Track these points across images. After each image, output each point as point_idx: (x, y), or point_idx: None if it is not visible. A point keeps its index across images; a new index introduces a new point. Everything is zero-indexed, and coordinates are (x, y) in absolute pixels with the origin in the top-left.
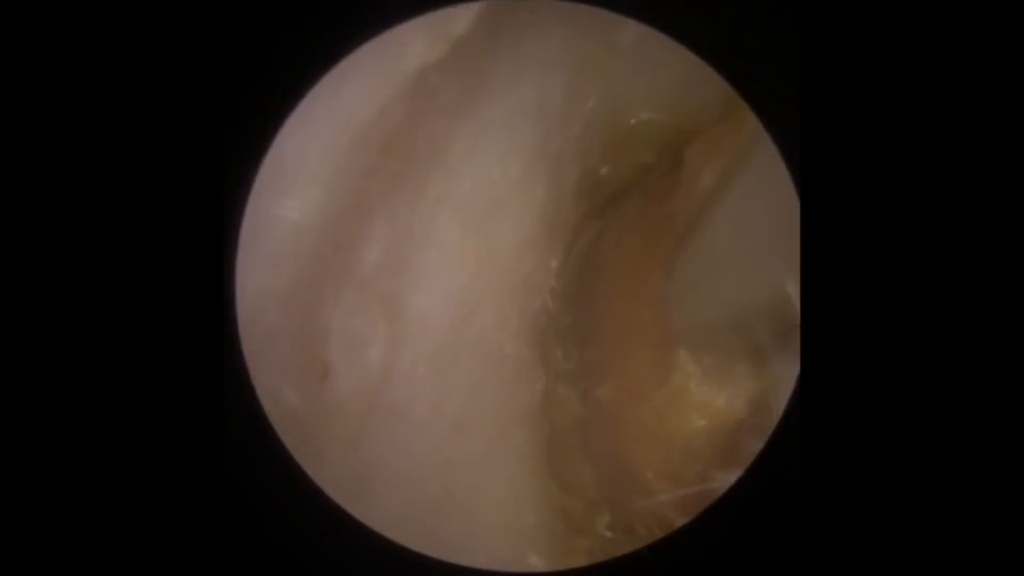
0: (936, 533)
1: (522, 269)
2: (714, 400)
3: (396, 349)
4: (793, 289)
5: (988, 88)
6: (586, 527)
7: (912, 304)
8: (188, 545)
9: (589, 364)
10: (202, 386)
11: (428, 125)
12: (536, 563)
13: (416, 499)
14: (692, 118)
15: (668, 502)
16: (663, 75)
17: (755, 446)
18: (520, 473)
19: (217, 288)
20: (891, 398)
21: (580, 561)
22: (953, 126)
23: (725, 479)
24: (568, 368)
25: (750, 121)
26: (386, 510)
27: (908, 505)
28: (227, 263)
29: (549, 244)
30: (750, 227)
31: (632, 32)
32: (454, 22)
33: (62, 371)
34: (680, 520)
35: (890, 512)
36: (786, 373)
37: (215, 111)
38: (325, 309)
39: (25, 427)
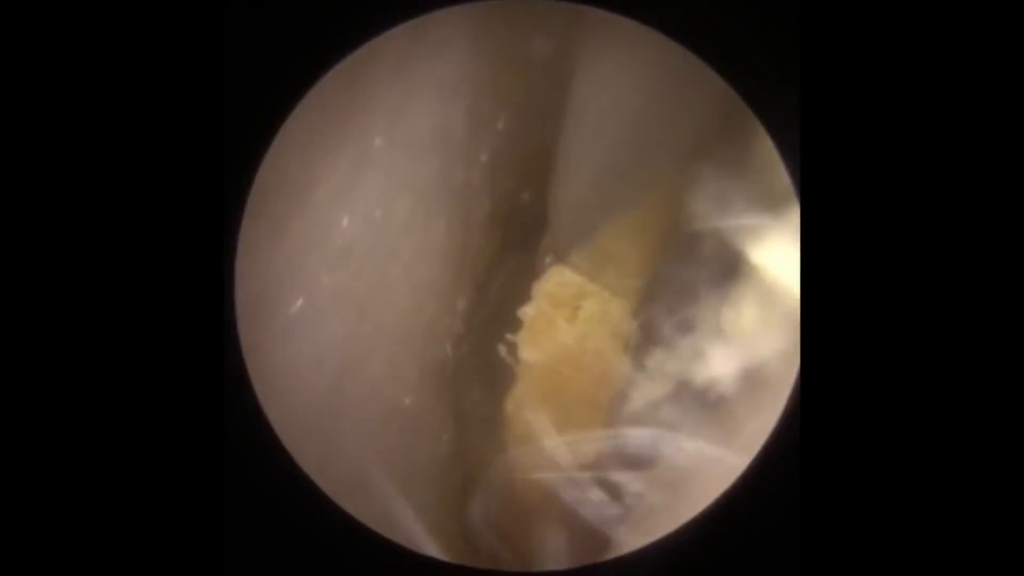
0: (936, 533)
1: (422, 317)
2: None
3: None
4: None
5: (989, 88)
6: None
7: (913, 304)
8: (188, 545)
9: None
10: (202, 386)
11: (282, 167)
12: None
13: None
14: None
15: None
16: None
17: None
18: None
19: (217, 288)
20: (891, 398)
21: None
22: (953, 126)
23: None
24: (485, 413)
25: None
26: None
27: (908, 505)
28: (227, 263)
29: (454, 285)
30: None
31: (545, 38)
32: None
33: (62, 371)
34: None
35: (890, 512)
36: None
37: (215, 110)
38: None
39: (24, 427)
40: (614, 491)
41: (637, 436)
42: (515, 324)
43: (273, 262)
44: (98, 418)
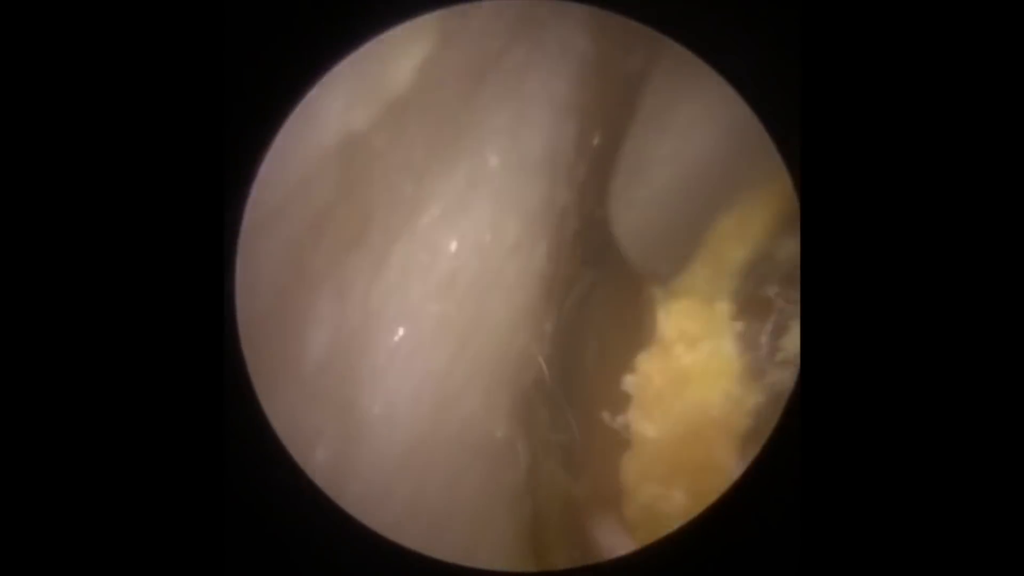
0: (936, 533)
1: (515, 343)
2: None
3: (351, 447)
4: None
5: (989, 88)
6: None
7: (913, 304)
8: (188, 545)
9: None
10: (202, 386)
11: (388, 187)
12: None
13: None
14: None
15: None
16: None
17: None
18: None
19: (217, 288)
20: (891, 398)
21: None
22: (954, 126)
23: None
24: (558, 439)
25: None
26: None
27: (908, 505)
28: (227, 263)
29: (546, 308)
30: None
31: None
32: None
33: (61, 371)
34: None
35: (890, 512)
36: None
37: (215, 110)
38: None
39: (24, 426)
40: None
41: None
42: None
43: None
44: (98, 418)
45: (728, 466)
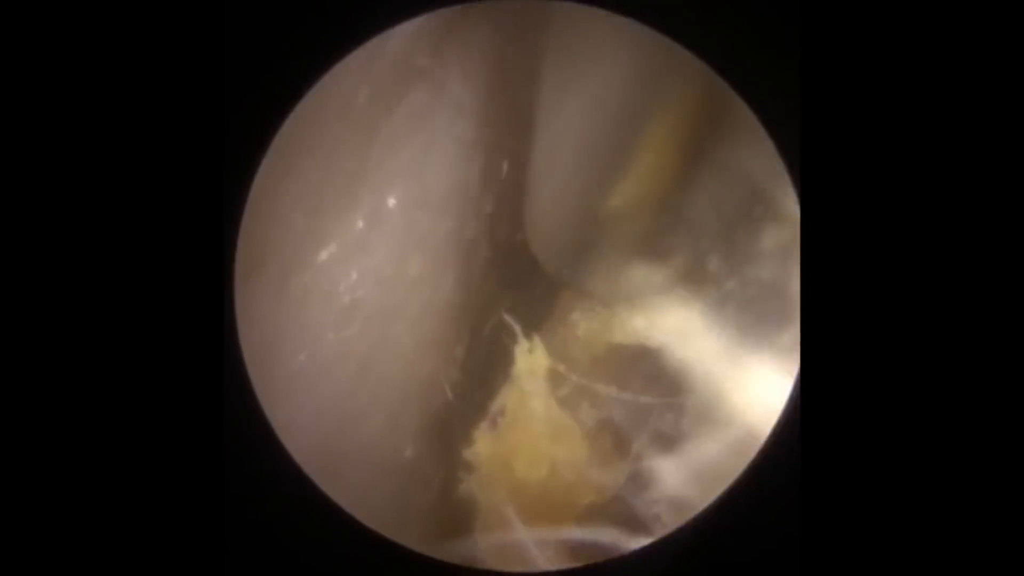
0: (936, 533)
1: (423, 368)
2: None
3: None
4: None
5: (989, 88)
6: None
7: (913, 304)
8: (188, 545)
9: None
10: (202, 386)
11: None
12: None
13: None
14: None
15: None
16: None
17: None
18: None
19: (217, 287)
20: (891, 398)
21: None
22: (954, 126)
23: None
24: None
25: None
26: None
27: (908, 505)
28: (227, 263)
29: (456, 334)
30: None
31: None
32: None
33: (61, 371)
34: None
35: (890, 512)
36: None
37: (215, 109)
38: None
39: (28, 429)
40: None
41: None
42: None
43: (278, 312)
44: (98, 418)
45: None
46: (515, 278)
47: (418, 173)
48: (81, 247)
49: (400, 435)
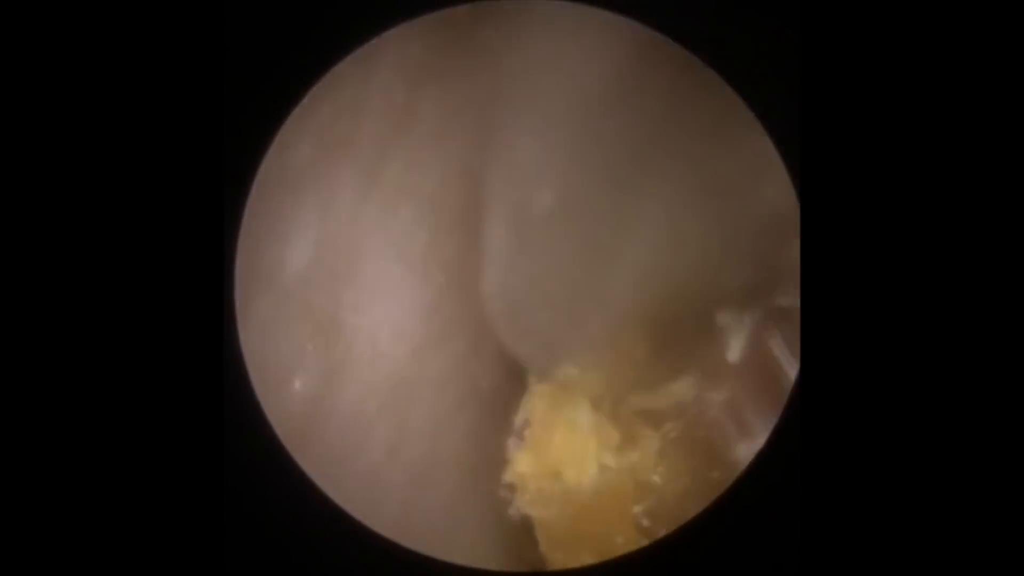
0: (936, 533)
1: (432, 369)
2: None
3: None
4: None
5: (989, 88)
6: None
7: (913, 304)
8: (188, 545)
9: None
10: (202, 386)
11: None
12: None
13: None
14: None
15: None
16: None
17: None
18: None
19: (217, 286)
20: (892, 398)
21: None
22: (954, 126)
23: None
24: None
25: None
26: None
27: (908, 505)
28: (227, 262)
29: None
30: None
31: None
32: None
33: (61, 371)
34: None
35: (890, 512)
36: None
37: (215, 108)
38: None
39: (27, 428)
40: None
41: None
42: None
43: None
44: (98, 419)
45: (628, 525)
46: None
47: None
48: (81, 248)
49: (408, 440)
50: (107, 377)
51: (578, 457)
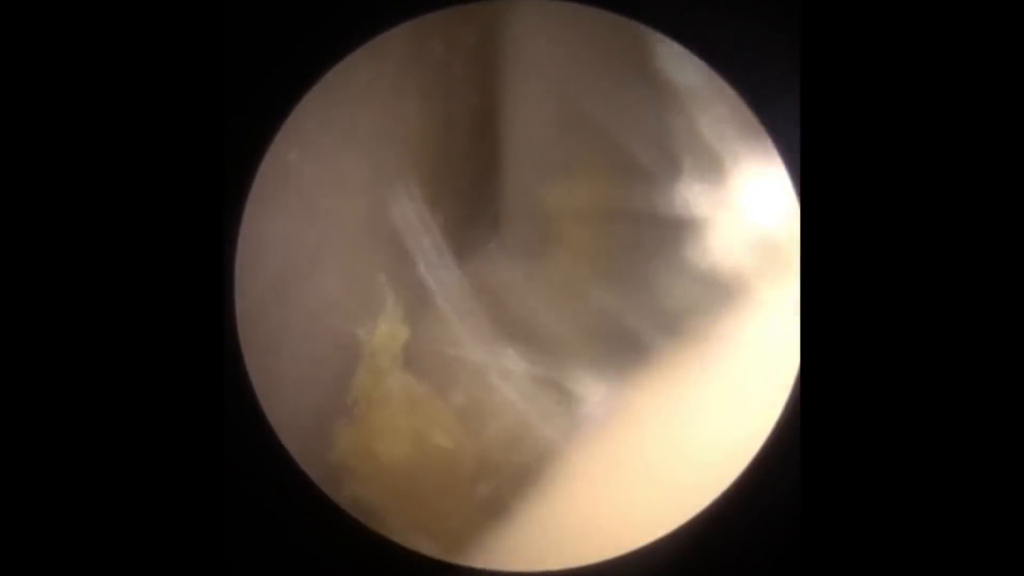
0: (936, 533)
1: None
2: None
3: None
4: None
5: (989, 88)
6: None
7: (913, 304)
8: (188, 545)
9: None
10: (202, 386)
11: None
12: None
13: None
14: None
15: None
16: None
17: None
18: None
19: (217, 286)
20: (891, 398)
21: None
22: (954, 126)
23: None
24: None
25: None
26: None
27: (908, 505)
28: (227, 261)
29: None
30: None
31: None
32: None
33: (61, 372)
34: None
35: (890, 512)
36: None
37: (215, 108)
38: None
39: (27, 428)
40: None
41: None
42: None
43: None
44: (98, 419)
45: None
46: None
47: None
48: (81, 247)
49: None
50: (107, 377)
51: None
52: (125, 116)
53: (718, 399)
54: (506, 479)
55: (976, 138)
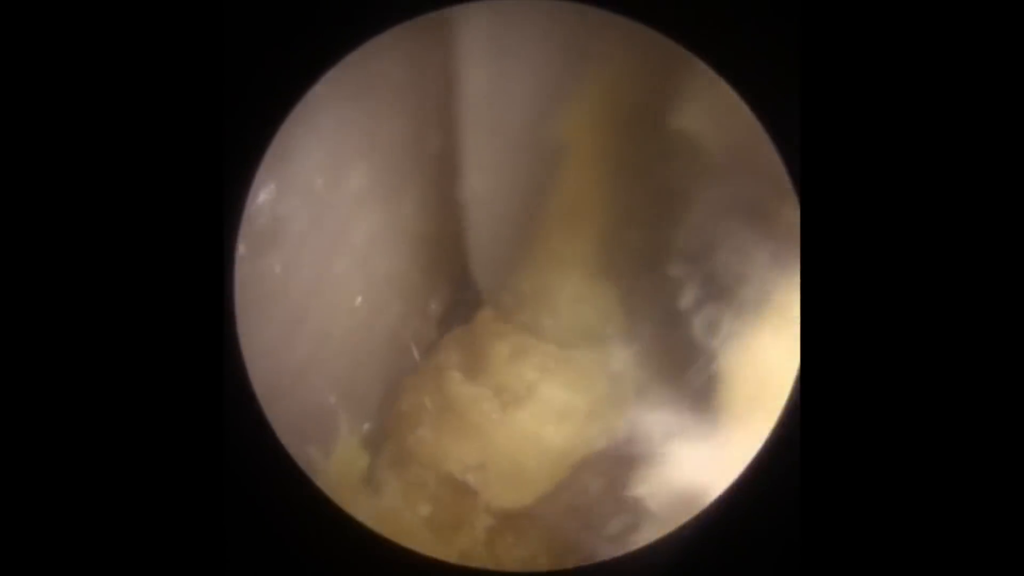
0: (936, 534)
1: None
2: None
3: None
4: None
5: (988, 88)
6: None
7: (912, 304)
8: (188, 545)
9: None
10: (202, 386)
11: None
12: None
13: None
14: None
15: None
16: None
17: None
18: None
19: (217, 286)
20: (891, 399)
21: None
22: (955, 126)
23: None
24: None
25: None
26: None
27: (908, 506)
28: (227, 260)
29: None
30: None
31: None
32: None
33: (62, 372)
34: None
35: (890, 513)
36: None
37: (215, 109)
38: None
39: (24, 426)
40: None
41: None
42: None
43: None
44: (98, 419)
45: None
46: None
47: None
48: (81, 246)
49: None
50: (107, 376)
51: None
52: (123, 121)
53: None
54: None
55: (977, 137)
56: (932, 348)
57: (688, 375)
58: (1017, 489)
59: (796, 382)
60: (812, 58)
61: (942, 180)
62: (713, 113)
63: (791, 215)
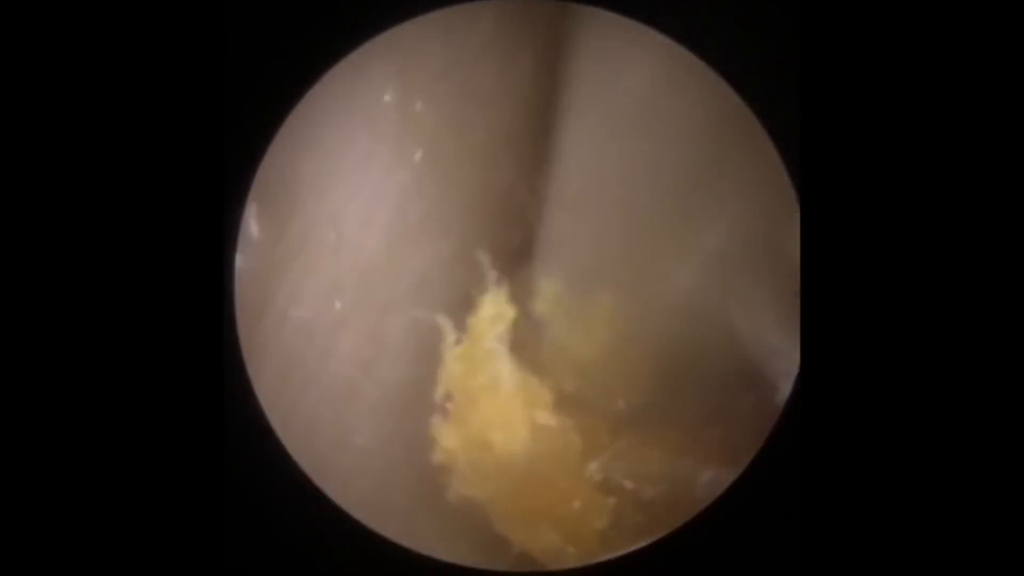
0: (936, 534)
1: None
2: None
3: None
4: None
5: (988, 88)
6: None
7: (912, 304)
8: (188, 545)
9: None
10: (202, 386)
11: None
12: None
13: None
14: None
15: None
16: None
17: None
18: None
19: (217, 286)
20: (891, 399)
21: None
22: (953, 126)
23: None
24: None
25: None
26: None
27: (908, 506)
28: (227, 260)
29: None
30: None
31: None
32: None
33: (62, 372)
34: None
35: (889, 513)
36: None
37: (215, 109)
38: None
39: (26, 427)
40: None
41: None
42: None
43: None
44: (98, 419)
45: (583, 487)
46: None
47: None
48: (81, 246)
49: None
50: (107, 376)
51: (505, 420)
52: (124, 116)
53: None
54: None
55: (976, 137)
56: (932, 348)
57: None
58: (1017, 489)
59: (796, 382)
60: (812, 58)
61: (942, 180)
62: None
63: None
